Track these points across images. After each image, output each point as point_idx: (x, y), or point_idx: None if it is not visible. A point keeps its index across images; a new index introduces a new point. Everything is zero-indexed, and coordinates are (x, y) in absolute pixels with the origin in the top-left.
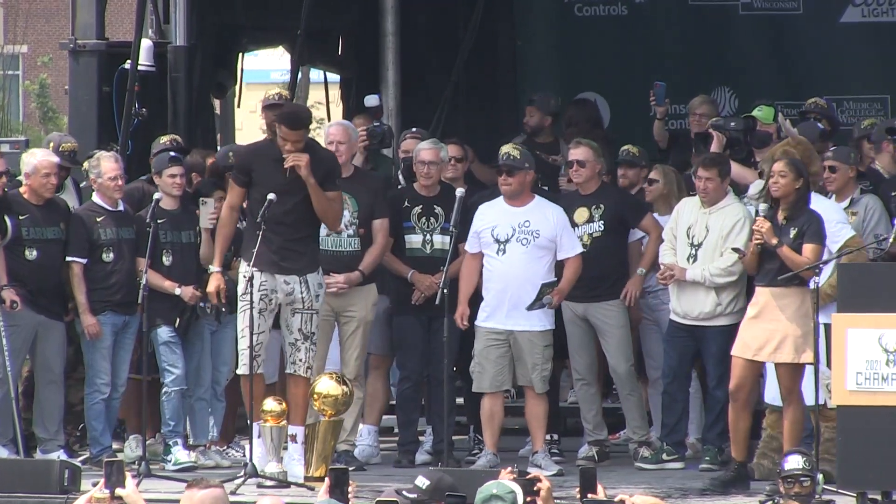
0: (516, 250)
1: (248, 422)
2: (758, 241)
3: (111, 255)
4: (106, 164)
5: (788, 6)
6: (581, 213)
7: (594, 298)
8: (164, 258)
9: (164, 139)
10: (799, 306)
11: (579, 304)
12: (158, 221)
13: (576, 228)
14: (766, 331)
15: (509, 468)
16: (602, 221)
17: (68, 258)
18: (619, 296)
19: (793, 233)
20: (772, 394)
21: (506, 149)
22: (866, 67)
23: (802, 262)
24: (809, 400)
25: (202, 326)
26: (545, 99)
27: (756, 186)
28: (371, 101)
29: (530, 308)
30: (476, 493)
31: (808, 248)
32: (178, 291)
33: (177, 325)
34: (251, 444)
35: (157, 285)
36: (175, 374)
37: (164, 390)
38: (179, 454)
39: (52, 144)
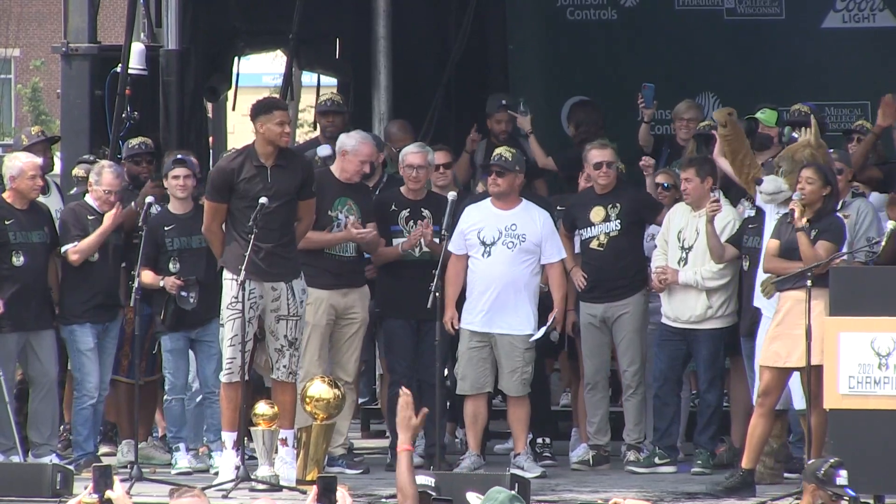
0: (502, 253)
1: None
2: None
3: (96, 256)
4: (107, 176)
5: (771, 11)
6: (597, 213)
7: (613, 297)
8: (170, 265)
9: (134, 142)
10: (825, 307)
11: (599, 304)
12: (166, 228)
13: (592, 227)
14: (795, 336)
15: None
16: (618, 220)
17: (65, 247)
18: (637, 292)
19: (813, 234)
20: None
21: (498, 150)
22: (847, 73)
23: (812, 254)
24: (799, 404)
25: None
26: (514, 103)
27: (773, 182)
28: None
29: (535, 339)
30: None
31: (821, 245)
32: (162, 283)
33: (162, 318)
34: (241, 449)
35: (147, 284)
36: (173, 382)
37: (164, 397)
38: (181, 460)
39: (24, 139)
